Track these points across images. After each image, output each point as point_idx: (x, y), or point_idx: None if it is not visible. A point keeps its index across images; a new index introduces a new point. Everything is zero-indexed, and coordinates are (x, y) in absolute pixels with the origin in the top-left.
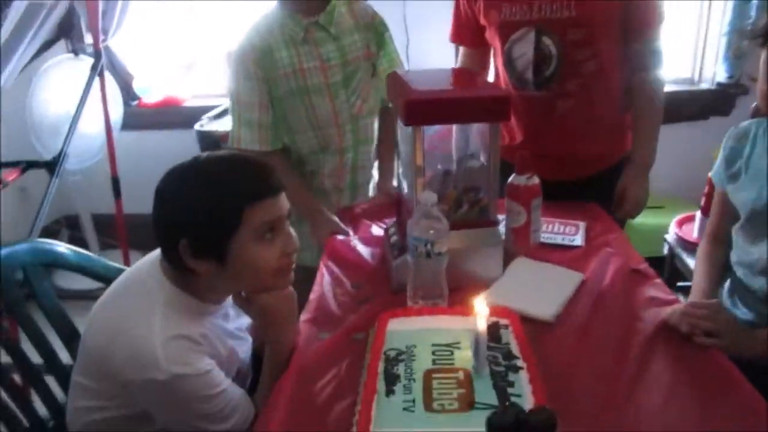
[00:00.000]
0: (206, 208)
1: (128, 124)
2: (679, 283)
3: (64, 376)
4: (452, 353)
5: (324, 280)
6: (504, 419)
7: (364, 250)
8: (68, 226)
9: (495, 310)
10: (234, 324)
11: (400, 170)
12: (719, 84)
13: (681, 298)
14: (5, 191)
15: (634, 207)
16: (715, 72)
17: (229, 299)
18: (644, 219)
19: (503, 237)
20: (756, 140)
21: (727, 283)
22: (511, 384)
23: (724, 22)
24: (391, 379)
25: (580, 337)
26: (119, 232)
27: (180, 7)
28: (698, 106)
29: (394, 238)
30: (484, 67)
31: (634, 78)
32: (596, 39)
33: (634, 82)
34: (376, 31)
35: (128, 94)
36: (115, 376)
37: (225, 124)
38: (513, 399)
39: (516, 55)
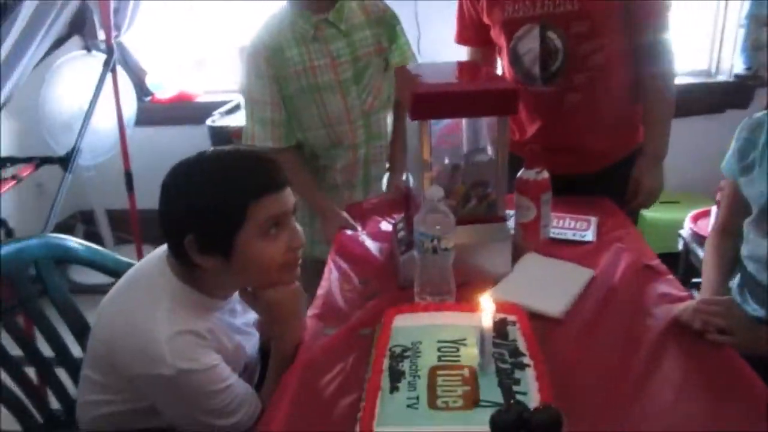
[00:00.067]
0: (211, 204)
1: (142, 119)
2: (694, 280)
3: (75, 370)
4: (458, 350)
5: (331, 276)
6: (507, 417)
7: (372, 245)
8: (83, 221)
9: (502, 307)
10: (241, 319)
11: (409, 165)
12: (737, 76)
13: (696, 294)
14: (22, 187)
15: (648, 197)
16: (733, 63)
17: (236, 294)
18: (659, 214)
19: (512, 232)
20: None
21: (737, 278)
22: (517, 382)
23: (742, 12)
24: (396, 376)
25: (589, 334)
26: (132, 227)
27: (192, 2)
28: (715, 98)
29: (401, 234)
30: (491, 66)
31: (642, 71)
32: (601, 31)
33: (643, 75)
34: (387, 24)
35: (141, 90)
36: (122, 371)
37: (236, 120)
38: (518, 397)
39: (522, 51)
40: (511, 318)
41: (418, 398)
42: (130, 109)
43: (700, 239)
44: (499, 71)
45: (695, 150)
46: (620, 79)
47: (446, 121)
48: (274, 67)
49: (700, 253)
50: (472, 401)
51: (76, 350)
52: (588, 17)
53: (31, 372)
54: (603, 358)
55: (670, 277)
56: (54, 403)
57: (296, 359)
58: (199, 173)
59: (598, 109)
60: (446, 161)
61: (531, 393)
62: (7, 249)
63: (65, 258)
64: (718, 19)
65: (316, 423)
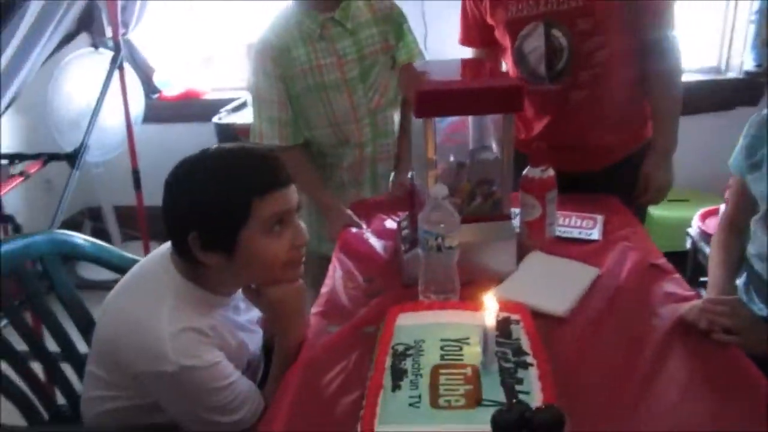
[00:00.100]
0: (215, 201)
1: (149, 117)
2: (702, 279)
3: (81, 365)
4: (461, 349)
5: (336, 274)
6: (509, 417)
7: (376, 243)
8: (91, 218)
9: (506, 305)
10: (245, 316)
11: (414, 163)
12: (747, 73)
13: (703, 293)
14: (30, 183)
15: (658, 193)
16: (743, 60)
17: (240, 292)
18: (668, 212)
19: (517, 231)
20: None
21: (743, 277)
22: (520, 381)
23: (753, 7)
24: (398, 374)
25: (594, 333)
26: (140, 224)
27: (199, 0)
28: (725, 96)
29: (405, 232)
30: (496, 67)
31: (649, 67)
32: (605, 27)
33: (650, 71)
34: (394, 22)
35: (149, 88)
36: (126, 367)
37: (243, 117)
38: (521, 396)
39: (527, 50)
40: (515, 317)
41: (420, 397)
42: (137, 106)
43: (708, 238)
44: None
45: (704, 148)
46: (626, 75)
47: (452, 119)
48: (280, 67)
49: (708, 251)
50: (475, 400)
51: (82, 346)
52: (592, 14)
53: (37, 368)
54: (607, 358)
55: (677, 276)
56: (59, 398)
57: (299, 357)
58: (203, 170)
59: (604, 105)
60: (451, 159)
61: (534, 392)
62: (14, 245)
63: (71, 254)
64: (727, 15)
65: (318, 421)
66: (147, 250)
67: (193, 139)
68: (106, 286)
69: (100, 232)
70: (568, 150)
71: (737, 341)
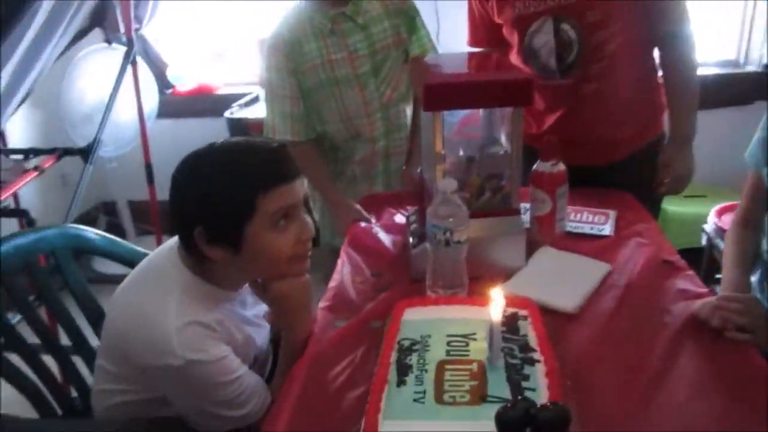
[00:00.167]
0: (221, 195)
1: (163, 112)
2: (718, 275)
3: (92, 358)
4: (467, 344)
5: (344, 268)
6: (514, 414)
7: (385, 237)
8: (106, 213)
9: (514, 301)
10: (252, 311)
11: (423, 157)
12: (766, 66)
13: (718, 290)
14: (46, 178)
15: (678, 182)
16: (763, 53)
17: (247, 286)
18: (684, 208)
19: (527, 226)
20: None
21: (757, 273)
22: (526, 377)
23: None
24: (403, 370)
25: (604, 330)
26: (153, 219)
27: None
28: (744, 89)
29: (414, 226)
30: None
31: (664, 59)
32: (615, 18)
33: (663, 66)
34: (406, 16)
35: (163, 83)
36: (134, 361)
37: (254, 112)
38: (527, 393)
39: (537, 46)
40: (523, 312)
41: (424, 392)
42: (151, 101)
43: (724, 234)
44: None
45: (722, 143)
46: (637, 65)
47: (465, 113)
48: (293, 62)
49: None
50: (479, 396)
51: (95, 341)
52: (600, 5)
53: (50, 362)
54: (617, 355)
55: (690, 272)
56: (73, 392)
57: (305, 351)
58: (209, 165)
59: (616, 97)
60: (461, 153)
61: (540, 389)
62: (25, 239)
63: (82, 248)
64: (747, 8)
65: (324, 415)
66: (160, 244)
67: (205, 133)
68: (120, 280)
69: (115, 227)
70: (580, 144)
71: (751, 339)
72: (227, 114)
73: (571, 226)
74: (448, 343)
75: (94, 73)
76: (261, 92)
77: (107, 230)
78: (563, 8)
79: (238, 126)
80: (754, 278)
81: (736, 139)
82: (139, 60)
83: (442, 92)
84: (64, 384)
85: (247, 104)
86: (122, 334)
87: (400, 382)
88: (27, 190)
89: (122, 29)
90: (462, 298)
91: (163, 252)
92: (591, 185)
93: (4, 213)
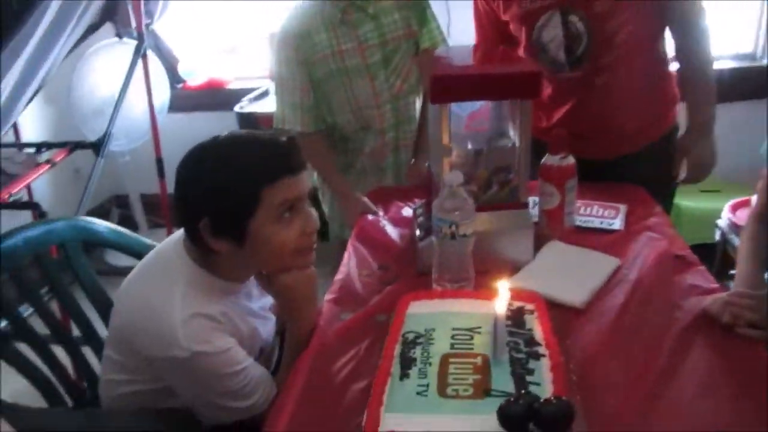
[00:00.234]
0: (225, 187)
1: (174, 106)
2: (731, 271)
3: (101, 349)
4: (472, 338)
5: (350, 261)
6: (516, 408)
7: (392, 231)
8: (118, 206)
9: (520, 295)
10: (257, 303)
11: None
12: None
13: (731, 286)
14: (59, 172)
15: (699, 170)
16: None
17: (253, 278)
18: (697, 203)
19: (535, 219)
20: None
21: None
22: (531, 372)
23: None
24: (407, 363)
25: (612, 325)
26: (164, 212)
27: None
28: (760, 83)
29: (421, 219)
30: None
31: (677, 54)
32: (622, 8)
33: (678, 57)
34: (417, 7)
35: (174, 77)
36: (140, 352)
37: (264, 106)
38: (531, 387)
39: (546, 40)
40: (529, 307)
41: (428, 386)
42: (163, 95)
43: (738, 230)
44: None
45: (738, 137)
46: (647, 56)
47: (474, 107)
48: (303, 53)
49: (738, 243)
50: (483, 390)
51: (104, 331)
52: None
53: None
54: (625, 351)
55: (701, 268)
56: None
57: (310, 344)
58: (214, 157)
59: (626, 88)
60: (469, 146)
61: (544, 384)
62: (35, 231)
63: (91, 240)
64: (764, 1)
65: (328, 408)
66: None
67: (216, 128)
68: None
69: (127, 220)
70: (590, 137)
71: (762, 336)
72: (237, 108)
73: (581, 220)
74: (453, 337)
75: (106, 68)
76: (271, 86)
77: (120, 223)
78: (570, 1)
79: (248, 120)
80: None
81: (752, 134)
82: (151, 54)
83: (448, 84)
84: (78, 380)
85: (257, 98)
86: (129, 325)
87: (404, 376)
88: (41, 184)
89: (133, 24)
90: (468, 291)
91: (169, 244)
92: (602, 179)
93: (16, 206)
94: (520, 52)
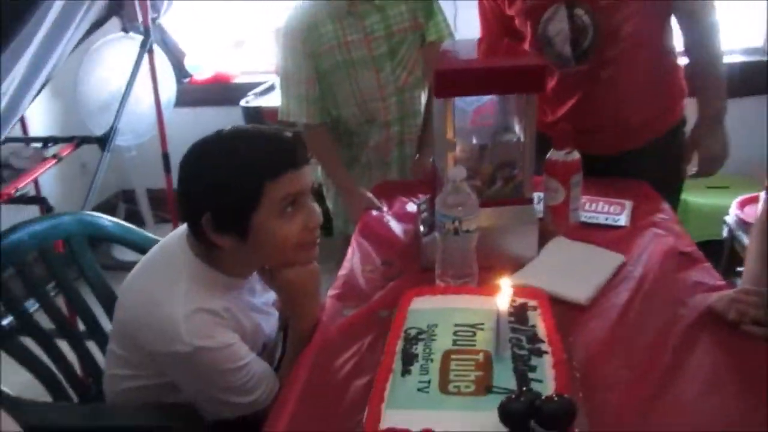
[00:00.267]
0: (227, 183)
1: (180, 101)
2: (739, 268)
3: (106, 343)
4: (474, 334)
5: (354, 257)
6: (517, 405)
7: (396, 226)
8: (125, 201)
9: (524, 291)
10: (260, 299)
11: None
12: None
13: (739, 283)
14: (67, 167)
15: (711, 162)
16: None
17: (257, 273)
18: (705, 199)
19: (539, 215)
20: None
21: None
22: (533, 369)
23: None
24: (409, 359)
25: (616, 322)
26: (170, 207)
27: None
28: None
29: (424, 215)
30: None
31: (686, 47)
32: (628, 1)
33: (687, 51)
34: (424, 0)
35: (180, 72)
36: (143, 348)
37: (270, 100)
38: (533, 384)
39: (552, 34)
40: (533, 303)
41: (429, 382)
42: (169, 90)
43: (746, 226)
44: None
45: (747, 132)
46: (653, 48)
47: (481, 101)
48: (309, 44)
49: (746, 240)
50: (485, 387)
51: (109, 326)
52: None
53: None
54: (629, 348)
55: (706, 265)
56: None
57: (313, 339)
58: (216, 152)
59: (632, 81)
60: (474, 141)
61: (546, 381)
62: (40, 225)
63: (97, 235)
64: None
65: (330, 403)
66: None
67: (222, 122)
68: None
69: (134, 215)
70: (596, 131)
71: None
72: (243, 102)
73: (586, 216)
74: (455, 333)
75: (112, 62)
76: (277, 81)
77: (126, 218)
78: None
79: (253, 114)
80: None
81: (761, 129)
82: (157, 49)
83: (452, 78)
84: (85, 378)
85: (263, 93)
86: (132, 320)
87: (405, 372)
88: (48, 179)
89: (140, 18)
90: (470, 288)
91: (172, 239)
92: (608, 175)
93: (23, 200)
94: (526, 46)
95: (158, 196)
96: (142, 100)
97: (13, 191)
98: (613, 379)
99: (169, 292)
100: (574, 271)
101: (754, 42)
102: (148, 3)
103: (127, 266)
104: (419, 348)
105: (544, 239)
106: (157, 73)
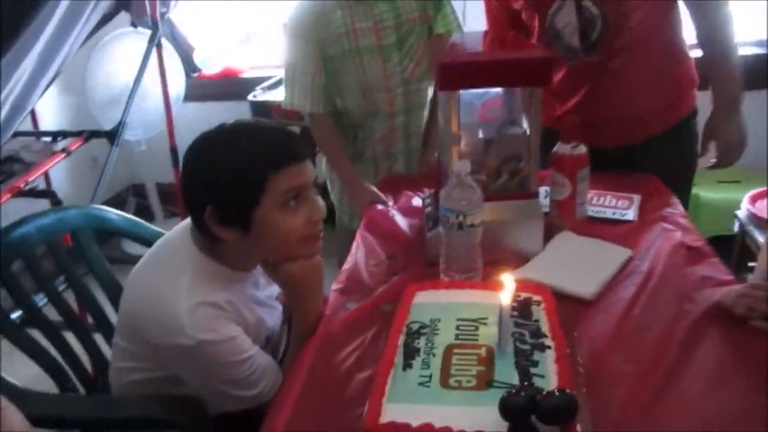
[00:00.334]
0: (230, 175)
1: (190, 95)
2: (751, 263)
3: (112, 336)
4: (477, 329)
5: (359, 251)
6: (518, 400)
7: (402, 221)
8: (135, 195)
9: (528, 286)
10: (264, 292)
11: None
12: None
13: (750, 278)
14: (78, 161)
15: (728, 151)
16: None
17: (260, 267)
18: (717, 194)
19: (545, 209)
20: None
21: None
22: (535, 363)
23: None
24: (410, 353)
25: (621, 317)
26: (179, 201)
27: None
28: None
29: (429, 209)
30: None
31: (699, 44)
32: None
33: (701, 47)
34: None
35: (189, 66)
36: (148, 341)
37: (278, 95)
38: (535, 380)
39: (560, 26)
40: (537, 298)
41: (430, 376)
42: (178, 85)
43: (757, 221)
44: None
45: (758, 126)
46: (663, 36)
47: (489, 95)
48: (316, 31)
49: (757, 235)
50: (486, 382)
51: (116, 319)
52: None
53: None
54: (635, 344)
55: (715, 260)
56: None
57: (316, 332)
58: (219, 145)
59: (642, 70)
60: (480, 135)
61: (549, 376)
62: (47, 219)
63: (104, 228)
64: None
65: (332, 397)
66: None
67: (230, 117)
68: None
69: (144, 209)
70: (605, 123)
71: None
72: (250, 97)
73: (593, 211)
74: (458, 327)
75: (121, 57)
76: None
77: (136, 212)
78: None
79: (261, 109)
80: None
81: None
82: (166, 44)
83: (456, 71)
84: (95, 375)
85: (271, 87)
86: (136, 313)
87: (407, 366)
88: (59, 173)
89: (149, 12)
90: (474, 282)
91: (176, 233)
92: (616, 168)
93: (33, 194)
94: (533, 40)
95: (168, 190)
96: (151, 94)
97: (22, 185)
98: (618, 374)
99: (172, 285)
100: (579, 265)
101: (764, 34)
102: None
103: (137, 260)
104: (421, 342)
105: (549, 234)
106: (165, 68)
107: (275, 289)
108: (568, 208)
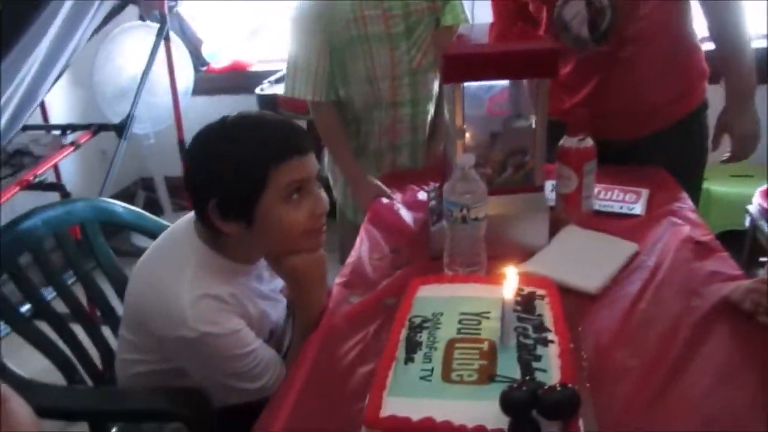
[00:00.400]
0: (233, 169)
1: (198, 89)
2: (762, 258)
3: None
4: (480, 323)
5: (362, 245)
6: (519, 395)
7: (406, 214)
8: (144, 188)
9: (532, 280)
10: (267, 286)
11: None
12: None
13: (761, 273)
14: (87, 154)
15: (743, 144)
16: None
17: (264, 260)
18: (728, 188)
19: (551, 203)
20: None
21: None
22: (538, 358)
23: None
24: (412, 347)
25: (626, 312)
26: (186, 194)
27: None
28: None
29: (433, 203)
30: None
31: (711, 38)
32: None
33: (713, 40)
34: None
35: (198, 60)
36: (152, 333)
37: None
38: (538, 374)
39: (568, 17)
40: (541, 292)
41: (432, 370)
42: (187, 78)
43: None
44: None
45: None
46: (672, 26)
47: (497, 88)
48: (323, 19)
49: None
50: (488, 376)
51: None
52: None
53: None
54: (640, 339)
55: (724, 254)
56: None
57: (319, 326)
58: (221, 138)
59: (652, 61)
60: (487, 128)
61: (551, 371)
62: (54, 211)
63: (110, 221)
64: None
65: (334, 390)
66: None
67: (238, 110)
68: None
69: (153, 202)
70: (615, 115)
71: None
72: (257, 90)
73: (600, 205)
74: (460, 322)
75: (129, 50)
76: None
77: (145, 205)
78: None
79: (269, 102)
80: None
81: None
82: (175, 37)
83: (460, 63)
84: (105, 370)
85: (279, 81)
86: (141, 305)
87: (408, 360)
88: (68, 166)
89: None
90: (478, 276)
91: (180, 226)
92: (625, 161)
93: (41, 186)
94: (541, 32)
95: (176, 183)
96: (160, 88)
97: (31, 177)
98: (623, 369)
99: (176, 277)
100: (584, 260)
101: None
102: None
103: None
104: (423, 336)
105: (555, 228)
106: (173, 61)
107: (279, 283)
108: (574, 202)
